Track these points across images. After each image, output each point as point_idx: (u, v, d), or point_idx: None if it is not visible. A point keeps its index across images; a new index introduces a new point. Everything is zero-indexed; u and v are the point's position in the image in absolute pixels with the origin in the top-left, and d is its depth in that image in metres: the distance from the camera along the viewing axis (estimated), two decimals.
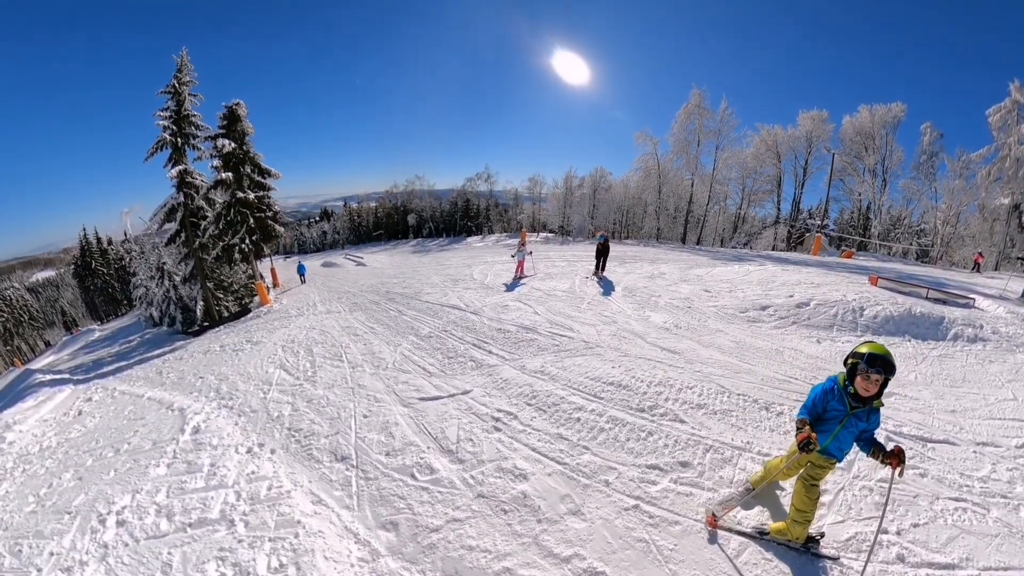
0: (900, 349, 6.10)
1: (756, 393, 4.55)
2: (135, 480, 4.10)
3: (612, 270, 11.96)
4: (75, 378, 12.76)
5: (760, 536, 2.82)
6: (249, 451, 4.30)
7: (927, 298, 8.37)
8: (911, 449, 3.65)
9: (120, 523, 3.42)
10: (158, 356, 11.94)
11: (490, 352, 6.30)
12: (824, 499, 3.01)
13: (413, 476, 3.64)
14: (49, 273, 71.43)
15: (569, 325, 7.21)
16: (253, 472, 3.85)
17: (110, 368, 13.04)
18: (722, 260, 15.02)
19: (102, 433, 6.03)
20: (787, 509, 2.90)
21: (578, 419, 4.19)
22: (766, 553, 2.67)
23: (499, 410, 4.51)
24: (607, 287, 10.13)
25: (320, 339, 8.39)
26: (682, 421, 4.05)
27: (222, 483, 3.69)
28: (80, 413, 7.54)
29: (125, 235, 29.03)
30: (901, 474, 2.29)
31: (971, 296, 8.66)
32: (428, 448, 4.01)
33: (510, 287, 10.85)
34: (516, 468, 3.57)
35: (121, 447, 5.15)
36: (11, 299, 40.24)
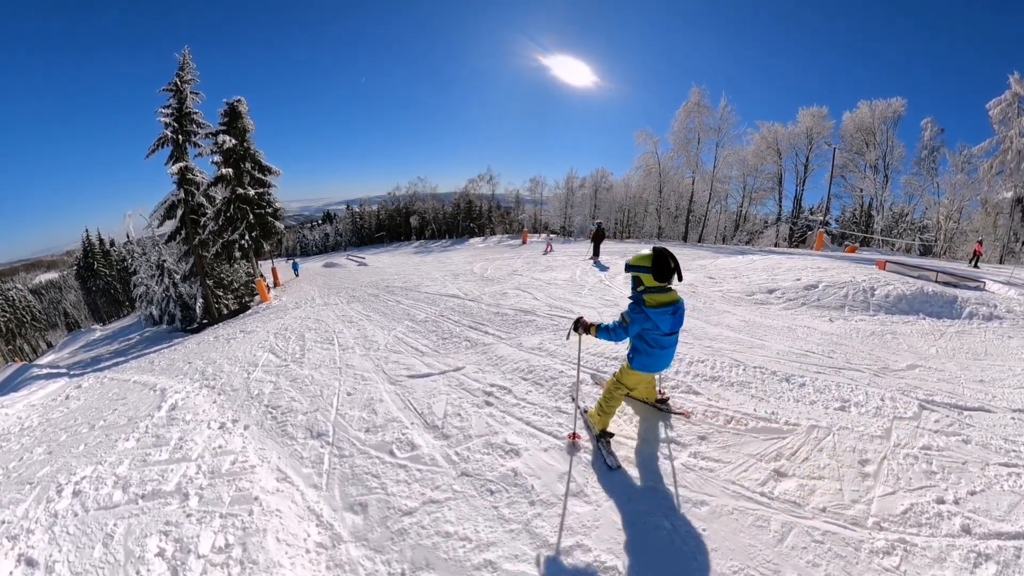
0: (916, 327, 5.82)
1: (774, 366, 4.21)
2: (102, 453, 3.83)
3: (615, 263, 11.66)
4: (72, 372, 12.57)
5: (582, 414, 3.37)
6: (222, 426, 4.01)
7: (937, 281, 8.01)
8: (947, 416, 3.39)
9: (76, 493, 3.16)
10: (154, 352, 11.72)
11: (486, 332, 6.00)
12: (868, 469, 2.76)
13: (392, 453, 3.31)
14: (52, 275, 71.90)
15: (569, 308, 6.91)
16: (220, 447, 3.55)
17: (107, 364, 12.83)
18: (724, 254, 14.71)
19: (82, 412, 5.81)
20: (663, 434, 3.12)
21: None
22: (815, 534, 2.30)
23: (492, 385, 4.19)
24: (608, 275, 9.83)
25: (314, 326, 8.13)
26: (696, 393, 3.73)
27: (186, 456, 3.39)
28: (67, 397, 7.33)
29: (128, 237, 28.95)
30: (568, 337, 3.16)
31: (981, 280, 8.34)
32: (412, 424, 3.69)
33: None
34: (507, 443, 3.20)
35: (96, 423, 4.91)
36: (14, 300, 40.38)
